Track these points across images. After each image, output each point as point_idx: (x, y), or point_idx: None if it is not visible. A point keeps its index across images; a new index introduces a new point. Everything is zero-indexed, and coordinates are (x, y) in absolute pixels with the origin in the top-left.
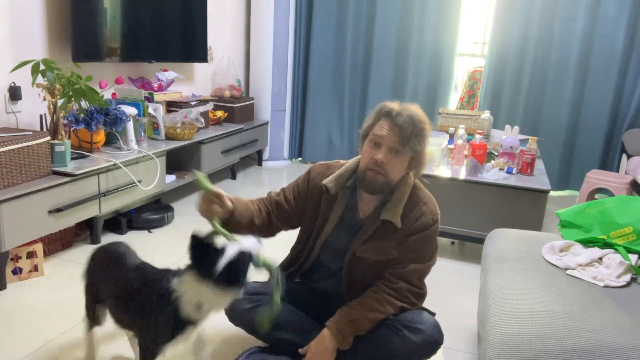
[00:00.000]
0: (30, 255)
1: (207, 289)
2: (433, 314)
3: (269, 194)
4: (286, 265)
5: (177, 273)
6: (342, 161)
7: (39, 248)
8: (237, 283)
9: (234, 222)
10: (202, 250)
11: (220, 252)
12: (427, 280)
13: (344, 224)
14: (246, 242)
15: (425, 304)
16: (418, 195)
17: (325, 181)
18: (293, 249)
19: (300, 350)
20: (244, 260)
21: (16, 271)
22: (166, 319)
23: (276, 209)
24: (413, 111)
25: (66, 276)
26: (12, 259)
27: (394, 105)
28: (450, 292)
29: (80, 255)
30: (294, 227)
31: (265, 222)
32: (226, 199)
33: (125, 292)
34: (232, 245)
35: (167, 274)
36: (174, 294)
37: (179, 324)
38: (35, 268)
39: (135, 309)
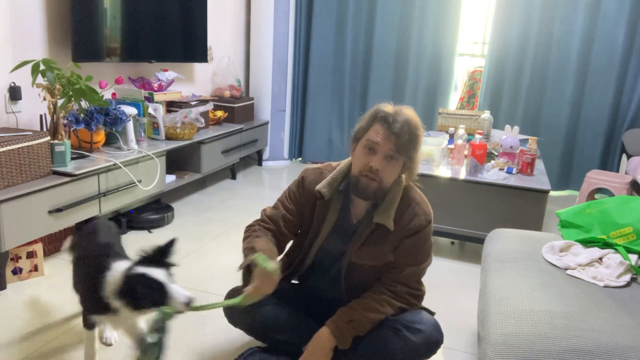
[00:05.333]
0: (30, 255)
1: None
2: (433, 313)
3: (262, 213)
4: (282, 268)
5: None
6: (333, 164)
7: (39, 248)
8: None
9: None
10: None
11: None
12: (427, 281)
13: (338, 229)
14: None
15: (424, 304)
16: (410, 196)
17: (318, 187)
18: (288, 254)
19: (304, 348)
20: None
21: (16, 271)
22: None
23: (283, 223)
24: (408, 117)
25: (66, 276)
26: (12, 259)
27: (389, 109)
28: (450, 292)
29: None
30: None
31: (277, 244)
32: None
33: None
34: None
35: None
36: None
37: None
38: (35, 268)
39: None
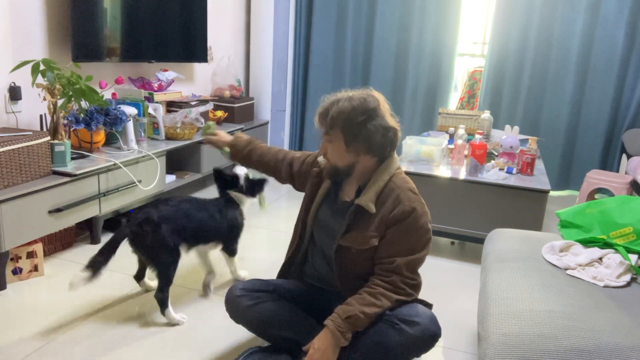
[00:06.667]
0: (30, 255)
1: (246, 198)
2: (430, 306)
3: (292, 153)
4: (291, 254)
5: (227, 197)
6: None
7: (39, 248)
8: (256, 192)
9: (243, 154)
10: (222, 177)
11: (235, 176)
12: (428, 281)
13: (330, 201)
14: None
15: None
16: (396, 183)
17: (320, 157)
18: (292, 236)
19: (303, 348)
20: (257, 181)
21: (16, 271)
22: (242, 219)
23: (288, 164)
24: (338, 98)
25: (66, 276)
26: (12, 259)
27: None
28: (450, 292)
29: (80, 255)
30: (295, 188)
31: (276, 167)
32: (224, 136)
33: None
34: (238, 169)
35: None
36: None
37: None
38: (35, 268)
39: (222, 224)
